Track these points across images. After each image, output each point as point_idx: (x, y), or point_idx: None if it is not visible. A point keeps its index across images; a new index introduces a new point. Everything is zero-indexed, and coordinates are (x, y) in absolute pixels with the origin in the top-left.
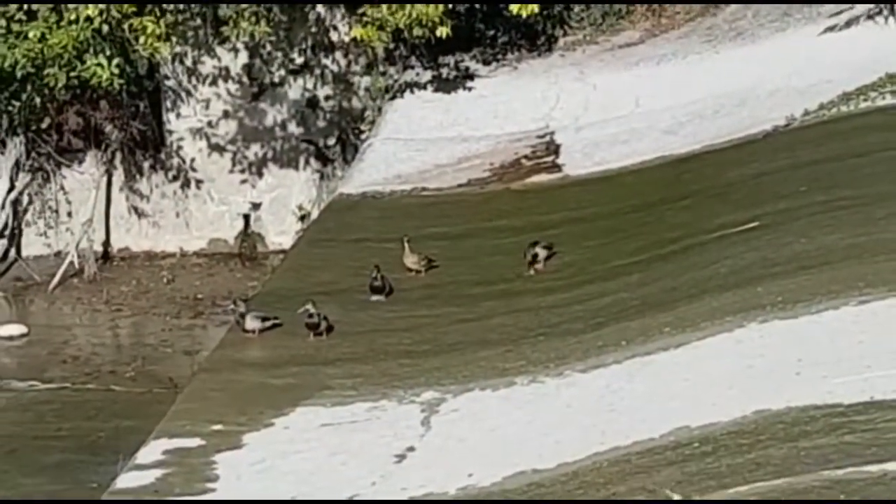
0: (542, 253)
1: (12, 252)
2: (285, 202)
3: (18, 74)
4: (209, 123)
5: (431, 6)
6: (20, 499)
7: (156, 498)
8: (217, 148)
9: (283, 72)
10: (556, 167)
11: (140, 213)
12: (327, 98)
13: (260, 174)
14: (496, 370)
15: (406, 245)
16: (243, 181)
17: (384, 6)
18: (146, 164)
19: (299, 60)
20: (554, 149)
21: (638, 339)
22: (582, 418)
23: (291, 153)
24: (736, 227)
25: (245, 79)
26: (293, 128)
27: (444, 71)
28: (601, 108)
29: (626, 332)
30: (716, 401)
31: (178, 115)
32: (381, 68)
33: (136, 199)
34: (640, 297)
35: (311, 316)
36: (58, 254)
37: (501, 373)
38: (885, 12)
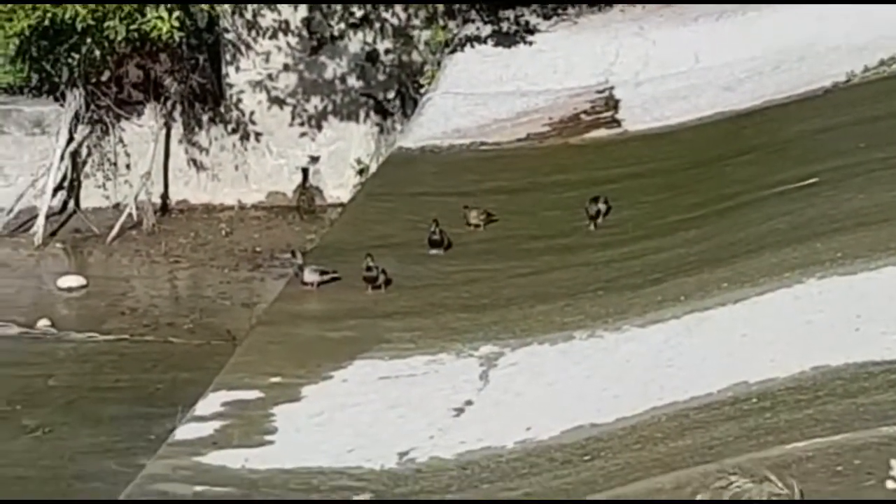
0: (602, 208)
1: (71, 204)
2: (344, 156)
3: (78, 27)
4: (269, 76)
5: None
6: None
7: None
8: (276, 101)
9: (342, 25)
10: (615, 122)
11: (199, 166)
12: (387, 52)
13: (319, 128)
14: (554, 324)
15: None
16: (302, 135)
17: None
18: (205, 117)
19: (359, 14)
20: (613, 104)
21: (696, 295)
22: (640, 373)
23: (350, 107)
24: (795, 183)
25: (304, 32)
26: (352, 81)
27: (504, 25)
28: (660, 63)
29: (684, 288)
30: (774, 356)
31: (238, 69)
32: (441, 22)
33: (194, 151)
34: (698, 252)
35: (369, 269)
36: (116, 206)
37: (560, 327)
38: None
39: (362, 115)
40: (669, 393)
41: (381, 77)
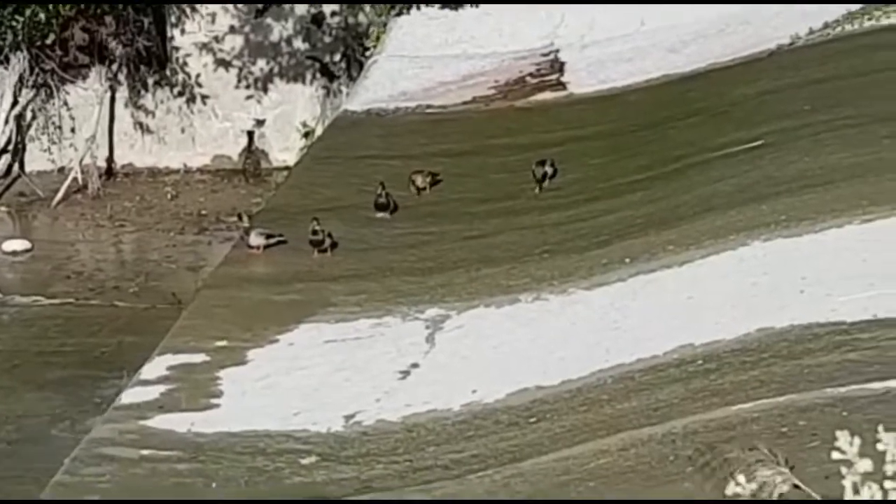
0: (550, 171)
1: (16, 167)
2: (289, 119)
3: None
4: (214, 39)
5: None
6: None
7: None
8: (222, 63)
9: None
10: (560, 85)
11: (144, 129)
12: (333, 14)
13: (265, 90)
14: (500, 287)
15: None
16: (248, 97)
17: None
18: (150, 80)
19: None
20: (559, 67)
21: (642, 257)
22: (586, 335)
23: (296, 70)
24: (740, 145)
25: None
26: (298, 44)
27: None
28: (606, 26)
29: (629, 250)
30: (719, 319)
31: (183, 31)
32: None
33: (140, 115)
34: (645, 214)
35: (315, 232)
36: (61, 170)
37: (506, 290)
38: None
39: (308, 77)
40: (615, 355)
41: (326, 40)
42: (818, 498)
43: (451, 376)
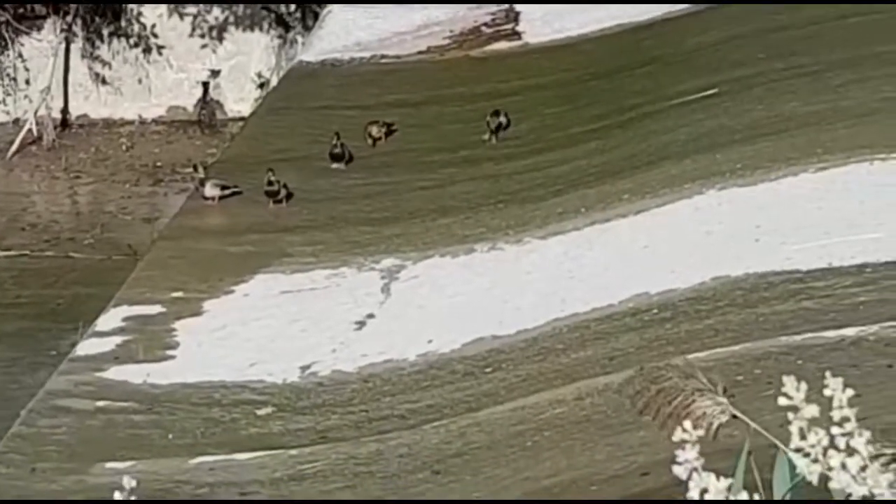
0: (504, 120)
1: None
2: (244, 70)
3: None
4: None
5: None
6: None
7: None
8: (176, 13)
9: None
10: (515, 35)
11: (99, 80)
12: None
13: (220, 40)
14: (456, 237)
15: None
16: (203, 47)
17: None
18: (106, 31)
19: None
20: (514, 16)
21: (597, 206)
22: (541, 285)
23: (251, 19)
24: (695, 94)
25: None
26: None
27: None
28: None
29: (585, 199)
30: (674, 267)
31: None
32: None
33: (95, 65)
34: (599, 164)
35: (270, 183)
36: (16, 121)
37: (461, 240)
38: None
39: (263, 27)
40: (570, 305)
41: None
42: (753, 426)
43: (407, 326)
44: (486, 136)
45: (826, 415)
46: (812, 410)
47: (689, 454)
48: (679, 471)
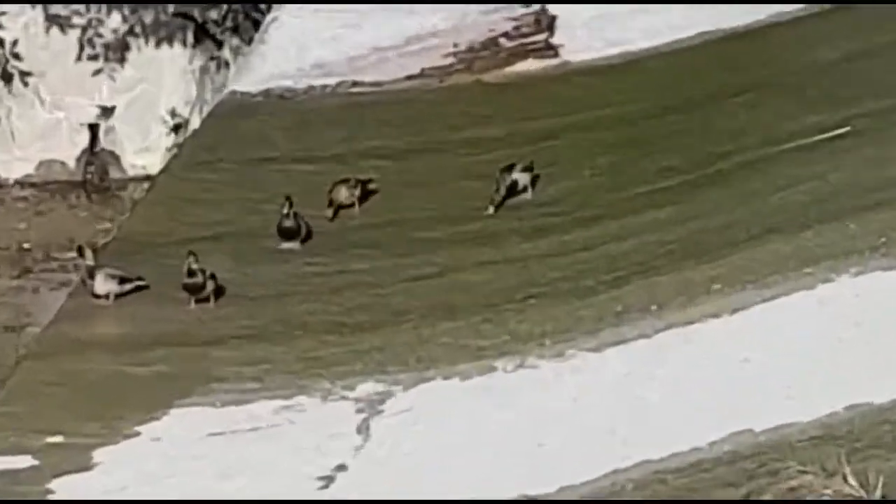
0: (521, 180)
1: None
2: (151, 105)
3: None
4: None
5: None
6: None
7: None
8: (54, 23)
9: None
10: (549, 49)
11: None
12: None
13: (117, 62)
14: (466, 350)
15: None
16: (96, 73)
17: None
18: None
19: None
20: (547, 22)
21: (674, 302)
22: (593, 419)
23: (161, 32)
24: (816, 134)
25: None
26: None
27: None
28: None
29: (655, 292)
30: (791, 391)
31: None
32: None
33: None
34: (676, 239)
35: (191, 273)
36: None
37: (474, 354)
38: None
39: (178, 43)
40: (637, 448)
41: None
42: None
43: (395, 485)
44: (489, 207)
45: None
46: None
47: None
48: None
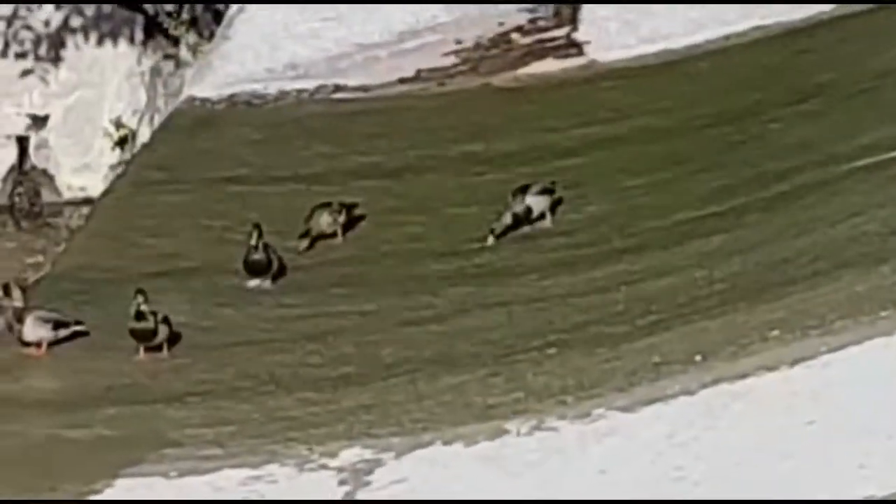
0: (537, 205)
1: None
2: (92, 113)
3: None
4: None
5: None
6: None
7: None
8: None
9: None
10: (573, 47)
11: None
12: None
13: (51, 62)
14: (472, 409)
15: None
16: (24, 74)
17: None
18: None
19: None
20: (569, 16)
21: (723, 352)
22: (627, 492)
23: (104, 25)
24: (894, 150)
25: None
26: None
27: None
28: None
29: (700, 340)
30: (868, 461)
31: None
32: None
33: None
34: (727, 276)
35: (140, 316)
36: None
37: (481, 413)
38: None
39: (124, 40)
40: None
41: None
42: None
43: None
44: (489, 237)
45: None
46: None
47: None
48: None
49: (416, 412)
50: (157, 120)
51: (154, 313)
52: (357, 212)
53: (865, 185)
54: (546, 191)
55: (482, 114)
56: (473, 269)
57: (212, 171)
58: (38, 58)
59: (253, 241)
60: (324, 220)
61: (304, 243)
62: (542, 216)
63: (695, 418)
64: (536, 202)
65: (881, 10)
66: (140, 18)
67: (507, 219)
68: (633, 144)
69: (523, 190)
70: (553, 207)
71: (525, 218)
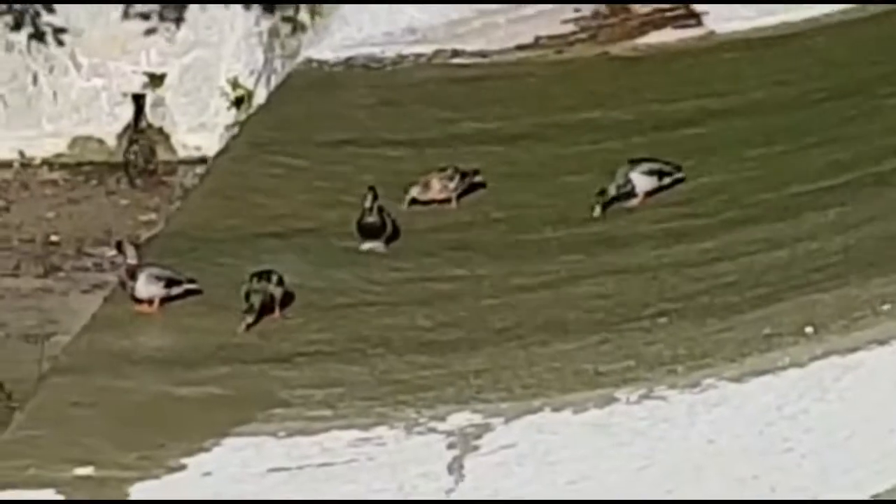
0: (642, 182)
1: None
2: (208, 73)
3: None
4: None
5: None
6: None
7: None
8: None
9: None
10: (692, 17)
11: None
12: None
13: (170, 22)
14: (582, 376)
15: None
16: (142, 34)
17: None
18: None
19: None
20: None
21: (835, 325)
22: (735, 462)
23: None
24: None
25: None
26: None
27: None
28: None
29: (812, 312)
30: None
31: None
32: None
33: None
34: (840, 249)
35: (256, 276)
36: None
37: (591, 381)
38: None
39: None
40: (790, 497)
41: None
42: None
43: None
44: (595, 207)
45: None
46: None
47: None
48: None
49: (526, 378)
50: (274, 81)
51: (268, 273)
52: (473, 178)
53: None
54: (657, 172)
55: (599, 82)
56: (586, 236)
57: (327, 133)
58: (151, 20)
59: (367, 204)
60: (438, 184)
61: (424, 205)
62: (634, 194)
63: (804, 391)
64: (640, 181)
65: None
66: None
67: (612, 190)
68: (749, 116)
69: (634, 163)
70: (657, 191)
71: (627, 193)
